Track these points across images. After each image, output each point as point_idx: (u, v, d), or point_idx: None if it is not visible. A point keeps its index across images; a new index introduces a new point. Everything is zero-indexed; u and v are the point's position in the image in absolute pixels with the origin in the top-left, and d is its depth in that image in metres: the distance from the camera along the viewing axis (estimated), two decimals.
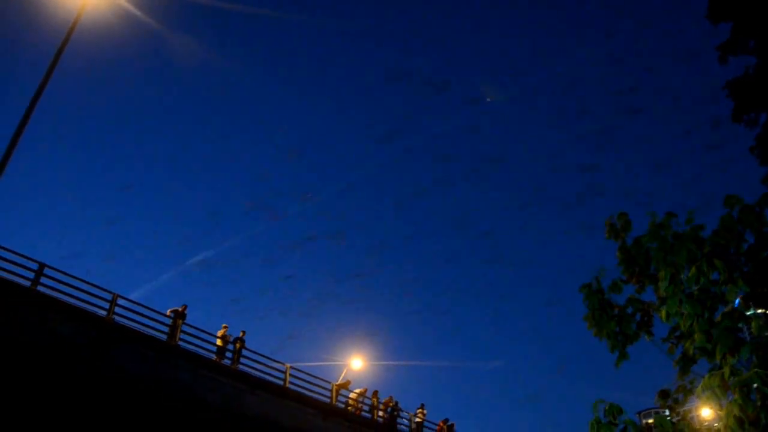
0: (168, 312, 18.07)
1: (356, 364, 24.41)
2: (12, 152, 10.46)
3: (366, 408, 23.24)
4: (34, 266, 15.35)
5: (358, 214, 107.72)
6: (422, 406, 25.50)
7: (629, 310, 6.10)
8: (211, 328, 19.58)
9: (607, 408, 5.00)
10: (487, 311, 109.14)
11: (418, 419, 24.89)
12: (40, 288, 15.31)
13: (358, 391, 23.19)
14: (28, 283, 15.19)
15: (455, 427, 26.35)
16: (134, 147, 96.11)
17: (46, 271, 15.47)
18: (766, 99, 12.75)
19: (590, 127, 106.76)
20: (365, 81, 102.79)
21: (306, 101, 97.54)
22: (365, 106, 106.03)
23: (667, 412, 6.27)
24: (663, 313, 5.32)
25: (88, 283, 16.45)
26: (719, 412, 4.85)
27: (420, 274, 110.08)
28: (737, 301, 5.12)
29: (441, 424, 26.00)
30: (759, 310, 5.12)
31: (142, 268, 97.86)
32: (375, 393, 23.86)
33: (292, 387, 20.53)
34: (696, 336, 5.04)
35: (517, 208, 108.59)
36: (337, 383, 22.89)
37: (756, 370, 4.37)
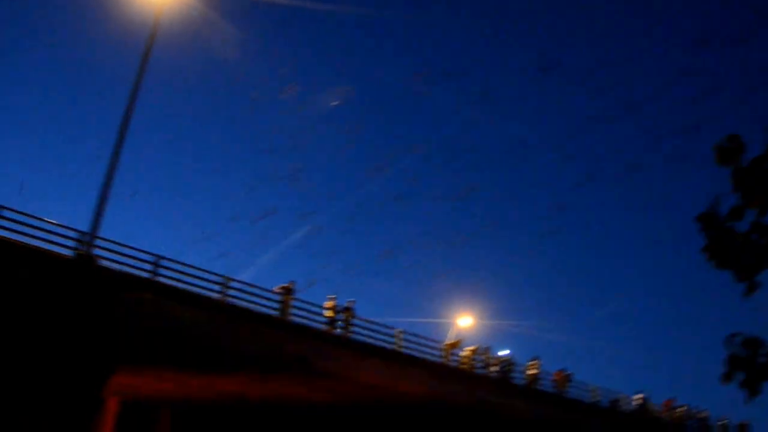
0: (276, 289, 18.77)
1: (464, 323, 24.44)
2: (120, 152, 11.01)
3: (479, 365, 23.30)
4: (151, 259, 16.33)
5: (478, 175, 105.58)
6: (536, 359, 25.26)
7: (754, 236, 5.65)
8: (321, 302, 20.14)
9: (744, 341, 4.63)
10: (593, 253, 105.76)
11: (532, 372, 24.69)
12: (159, 278, 16.31)
13: (469, 349, 23.28)
14: (147, 275, 16.20)
15: (572, 377, 25.99)
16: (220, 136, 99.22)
17: (162, 262, 16.42)
18: None
19: None
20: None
21: None
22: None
23: None
24: None
25: (201, 269, 17.35)
26: None
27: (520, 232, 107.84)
28: None
29: (557, 374, 25.69)
30: None
31: (245, 252, 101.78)
32: (487, 349, 23.87)
33: (405, 350, 20.91)
34: None
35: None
36: (447, 343, 23.08)
37: None
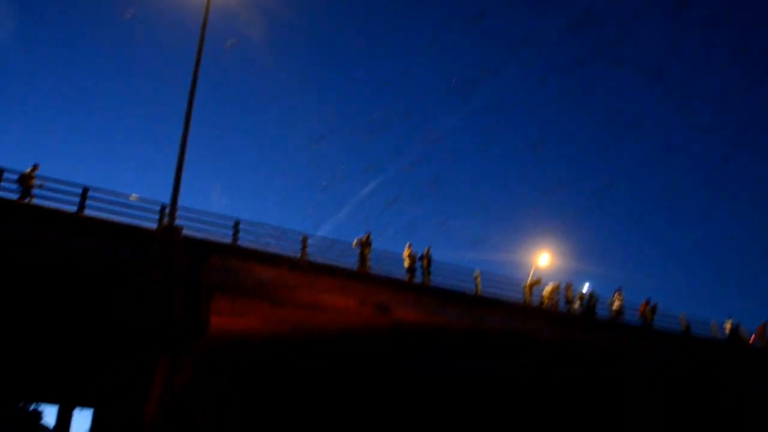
0: (354, 242, 18.83)
1: (543, 261, 23.97)
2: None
3: (561, 302, 22.99)
4: (230, 223, 16.69)
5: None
6: (619, 290, 24.66)
7: None
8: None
9: None
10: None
11: (615, 305, 24.16)
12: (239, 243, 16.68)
13: (551, 285, 22.96)
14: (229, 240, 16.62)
15: (658, 308, 25.29)
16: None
17: (242, 226, 16.75)
18: None
19: None
20: None
21: None
22: None
23: None
24: None
25: (279, 229, 17.62)
26: None
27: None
28: None
29: (643, 305, 25.06)
30: None
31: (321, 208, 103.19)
32: (568, 286, 23.46)
33: (485, 293, 20.79)
34: None
35: None
36: (528, 282, 22.80)
37: None
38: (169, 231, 14.89)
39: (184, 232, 15.53)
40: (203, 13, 16.69)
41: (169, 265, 14.59)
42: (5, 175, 14.65)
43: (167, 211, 15.13)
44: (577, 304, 23.19)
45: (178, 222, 15.36)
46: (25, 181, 14.83)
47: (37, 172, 15.09)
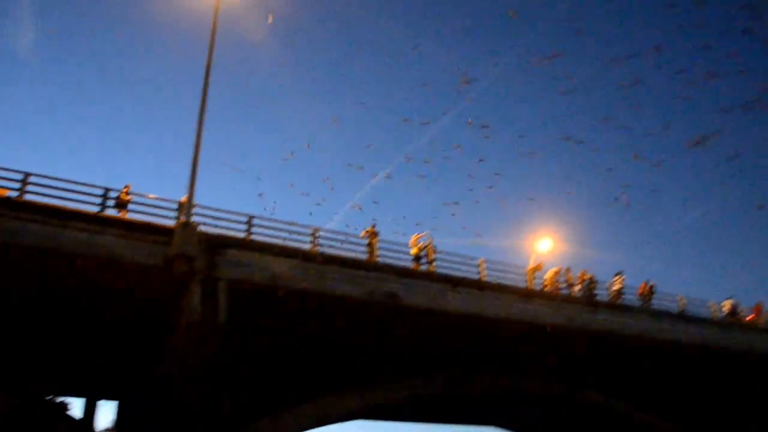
0: (362, 234, 19.62)
1: (544, 246, 24.77)
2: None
3: (562, 286, 23.76)
4: (244, 219, 17.47)
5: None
6: (619, 273, 25.43)
7: None
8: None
9: None
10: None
11: (615, 287, 24.94)
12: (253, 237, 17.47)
13: (552, 270, 23.73)
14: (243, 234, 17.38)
15: (656, 288, 26.06)
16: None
17: (255, 221, 17.54)
18: None
19: None
20: None
21: None
22: None
23: None
24: None
25: (291, 223, 18.38)
26: None
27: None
28: None
29: (642, 286, 25.85)
30: None
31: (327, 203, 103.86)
32: (568, 270, 24.24)
33: (489, 278, 21.58)
34: None
35: None
36: (529, 266, 23.58)
37: None
38: (187, 227, 15.68)
39: (201, 228, 16.35)
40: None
41: (190, 260, 15.39)
42: None
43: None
44: (577, 288, 23.97)
45: (194, 219, 16.18)
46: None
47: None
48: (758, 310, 27.21)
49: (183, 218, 16.01)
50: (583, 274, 24.19)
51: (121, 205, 16.75)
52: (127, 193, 17.08)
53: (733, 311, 26.78)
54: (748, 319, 26.97)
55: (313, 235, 18.68)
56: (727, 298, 27.22)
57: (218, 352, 16.30)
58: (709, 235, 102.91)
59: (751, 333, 26.13)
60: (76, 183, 16.02)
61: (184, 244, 15.55)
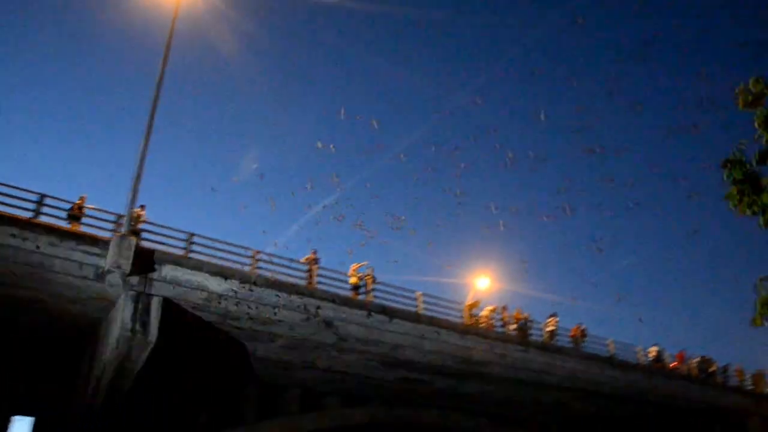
0: (303, 259, 19.63)
1: (482, 284, 25.27)
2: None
3: (498, 324, 24.20)
4: (183, 236, 17.24)
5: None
6: (554, 315, 26.10)
7: None
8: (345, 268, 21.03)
9: None
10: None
11: (549, 328, 25.56)
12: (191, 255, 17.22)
13: (488, 308, 24.17)
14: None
15: (587, 331, 26.85)
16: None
17: (195, 239, 17.33)
18: None
19: None
20: None
21: None
22: None
23: None
24: None
25: (231, 243, 18.23)
26: None
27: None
28: None
29: (575, 329, 26.57)
30: None
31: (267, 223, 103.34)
32: (504, 308, 24.75)
33: (426, 312, 21.79)
34: None
35: None
36: (467, 303, 23.95)
37: None
38: (123, 240, 15.36)
39: (142, 243, 16.05)
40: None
41: (123, 275, 15.05)
42: None
43: (122, 220, 15.63)
44: (513, 327, 24.45)
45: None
46: None
47: None
48: (681, 357, 28.32)
49: (121, 231, 15.69)
50: (518, 313, 24.73)
51: (74, 217, 16.25)
52: (80, 207, 16.61)
53: (658, 357, 27.79)
54: (672, 365, 28.01)
55: (253, 257, 18.55)
56: (653, 345, 28.25)
57: (147, 369, 15.92)
58: (641, 280, 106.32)
59: (673, 380, 27.15)
60: (8, 186, 15.53)
61: (119, 257, 15.20)
